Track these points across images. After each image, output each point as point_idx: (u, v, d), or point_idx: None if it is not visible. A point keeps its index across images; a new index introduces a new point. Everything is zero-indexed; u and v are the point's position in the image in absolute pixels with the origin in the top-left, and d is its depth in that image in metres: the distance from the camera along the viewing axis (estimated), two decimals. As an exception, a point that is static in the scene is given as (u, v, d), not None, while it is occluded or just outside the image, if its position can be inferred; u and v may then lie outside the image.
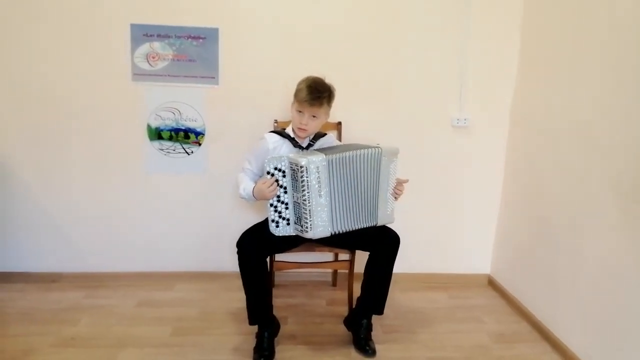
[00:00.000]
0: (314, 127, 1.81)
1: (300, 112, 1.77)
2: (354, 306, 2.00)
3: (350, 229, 1.75)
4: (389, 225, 1.87)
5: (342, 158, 1.68)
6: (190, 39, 2.29)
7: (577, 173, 1.87)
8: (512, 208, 2.44)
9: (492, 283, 2.61)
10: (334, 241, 1.90)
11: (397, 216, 2.36)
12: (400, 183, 1.85)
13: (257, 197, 1.76)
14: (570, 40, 1.96)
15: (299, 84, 1.80)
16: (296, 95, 1.78)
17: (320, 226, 1.68)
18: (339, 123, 2.36)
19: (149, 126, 2.36)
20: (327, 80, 1.83)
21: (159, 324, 2.06)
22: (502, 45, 2.40)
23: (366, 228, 1.80)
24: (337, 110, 2.34)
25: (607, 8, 1.73)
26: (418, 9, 2.35)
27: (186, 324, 2.07)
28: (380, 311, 1.90)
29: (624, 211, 1.59)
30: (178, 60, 2.31)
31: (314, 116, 1.77)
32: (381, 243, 1.82)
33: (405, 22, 2.36)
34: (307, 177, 1.62)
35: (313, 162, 1.62)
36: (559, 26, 2.05)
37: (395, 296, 2.43)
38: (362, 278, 1.90)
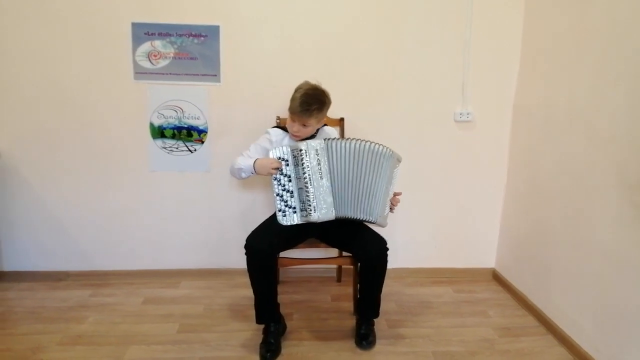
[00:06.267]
0: (305, 133, 1.85)
1: (292, 119, 1.83)
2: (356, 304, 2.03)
3: (353, 217, 1.76)
4: (387, 231, 1.87)
5: (345, 145, 1.72)
6: (191, 37, 2.29)
7: (581, 165, 1.86)
8: (516, 201, 2.43)
9: (496, 277, 2.61)
10: (330, 238, 1.94)
11: (402, 211, 2.36)
12: (395, 196, 1.86)
13: (257, 169, 1.80)
14: (572, 32, 1.94)
15: (295, 91, 1.84)
16: (291, 101, 1.82)
17: (324, 208, 1.71)
18: (342, 119, 2.35)
19: (151, 124, 2.37)
20: (327, 82, 1.87)
21: (165, 321, 2.07)
22: (504, 38, 2.38)
23: (358, 229, 1.86)
24: (339, 106, 2.34)
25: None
26: (420, 3, 2.34)
27: (192, 321, 2.08)
28: (374, 316, 1.95)
29: (629, 203, 1.59)
30: (180, 58, 2.31)
31: (304, 125, 1.82)
32: (367, 256, 1.83)
33: (407, 17, 2.34)
34: (307, 159, 1.69)
35: (312, 146, 1.70)
36: (561, 18, 2.03)
37: (401, 290, 2.44)
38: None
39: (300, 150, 1.69)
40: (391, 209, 1.86)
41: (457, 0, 2.33)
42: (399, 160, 1.83)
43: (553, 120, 2.07)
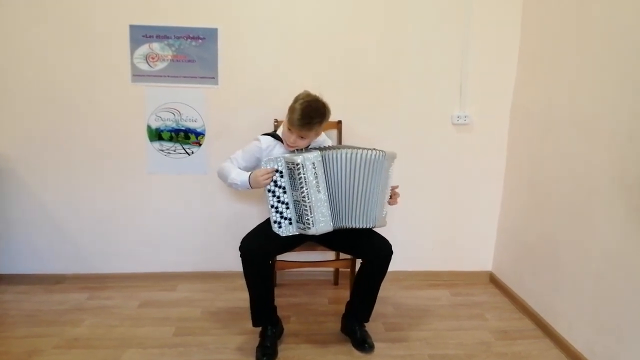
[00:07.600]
0: (301, 145, 1.80)
1: (289, 130, 1.76)
2: (344, 311, 2.01)
3: (351, 226, 1.75)
4: (384, 235, 1.86)
5: (340, 155, 1.70)
6: (189, 40, 2.29)
7: (580, 167, 1.86)
8: (514, 204, 2.43)
9: (494, 280, 2.61)
10: (333, 243, 1.92)
11: (399, 214, 2.36)
12: (393, 189, 1.85)
13: (253, 185, 1.78)
14: (570, 34, 1.95)
15: (295, 100, 1.76)
16: (289, 112, 1.75)
17: (321, 221, 1.70)
18: (339, 122, 2.35)
19: (149, 127, 2.37)
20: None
21: (162, 324, 2.06)
22: (502, 40, 2.39)
23: (363, 232, 1.81)
24: (337, 109, 2.34)
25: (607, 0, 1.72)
26: (418, 6, 2.34)
27: (189, 324, 2.07)
28: (366, 320, 1.94)
29: (628, 204, 1.59)
30: (177, 60, 2.31)
31: (302, 137, 1.76)
32: (375, 256, 1.80)
33: (406, 19, 2.35)
34: (304, 174, 1.65)
35: (308, 159, 1.65)
36: (559, 19, 2.04)
37: (397, 294, 2.44)
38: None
39: (297, 164, 1.65)
40: (390, 203, 1.84)
41: (456, 2, 2.34)
42: (393, 158, 1.78)
43: (552, 121, 2.07)
